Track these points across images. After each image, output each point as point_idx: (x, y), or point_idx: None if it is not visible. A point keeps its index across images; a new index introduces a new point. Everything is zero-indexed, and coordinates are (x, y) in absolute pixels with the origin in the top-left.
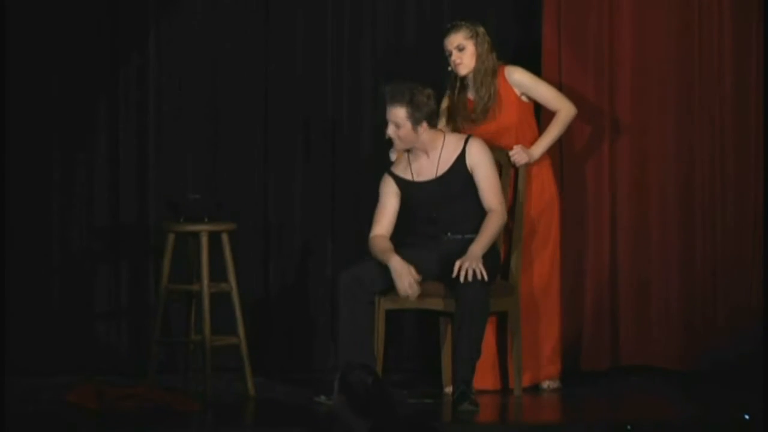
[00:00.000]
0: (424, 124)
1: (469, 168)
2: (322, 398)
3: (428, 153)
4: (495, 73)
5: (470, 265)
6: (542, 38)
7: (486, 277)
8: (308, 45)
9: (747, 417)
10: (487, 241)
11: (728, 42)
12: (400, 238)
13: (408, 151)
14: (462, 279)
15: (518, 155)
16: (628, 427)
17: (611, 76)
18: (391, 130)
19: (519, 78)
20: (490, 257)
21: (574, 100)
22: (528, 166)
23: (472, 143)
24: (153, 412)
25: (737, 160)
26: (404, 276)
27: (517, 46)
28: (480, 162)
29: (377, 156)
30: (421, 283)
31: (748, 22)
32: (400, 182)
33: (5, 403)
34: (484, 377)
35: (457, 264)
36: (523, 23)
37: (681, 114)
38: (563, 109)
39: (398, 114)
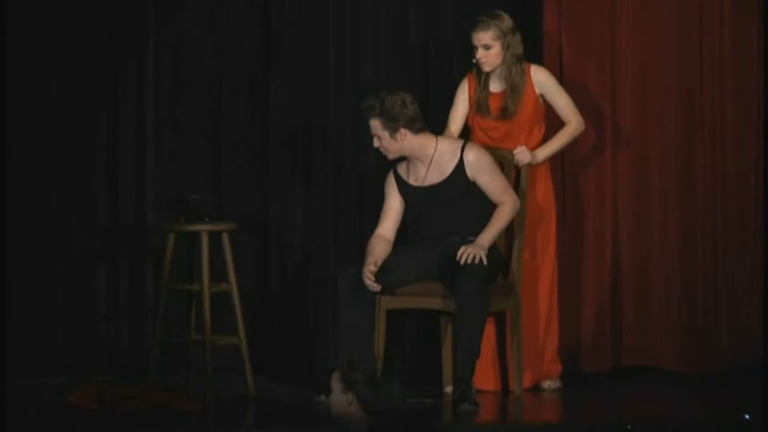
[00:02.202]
0: (403, 131)
1: (471, 177)
2: (322, 398)
3: (422, 159)
4: (524, 72)
5: (473, 251)
6: (543, 23)
7: (485, 261)
8: (310, 42)
9: (747, 417)
10: (496, 230)
11: (728, 42)
12: (406, 238)
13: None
14: (462, 261)
15: (522, 154)
16: (629, 427)
17: (612, 72)
18: (375, 143)
19: (543, 78)
20: (491, 257)
21: (575, 98)
22: (530, 167)
23: (469, 151)
24: (153, 413)
25: (738, 160)
26: (364, 276)
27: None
28: (482, 169)
29: (379, 155)
30: (378, 280)
31: (748, 22)
32: (401, 183)
33: (5, 403)
34: (485, 377)
35: (462, 249)
36: (525, 8)
37: (682, 114)
38: (574, 122)
39: (374, 126)
